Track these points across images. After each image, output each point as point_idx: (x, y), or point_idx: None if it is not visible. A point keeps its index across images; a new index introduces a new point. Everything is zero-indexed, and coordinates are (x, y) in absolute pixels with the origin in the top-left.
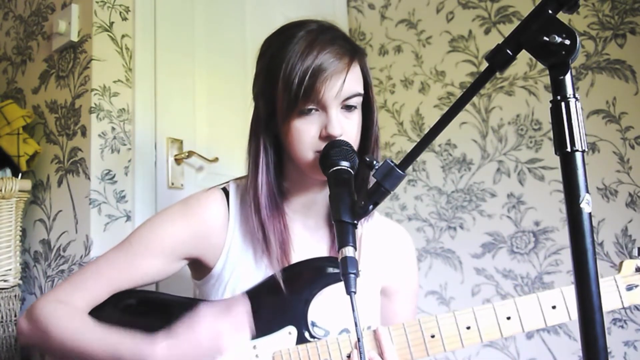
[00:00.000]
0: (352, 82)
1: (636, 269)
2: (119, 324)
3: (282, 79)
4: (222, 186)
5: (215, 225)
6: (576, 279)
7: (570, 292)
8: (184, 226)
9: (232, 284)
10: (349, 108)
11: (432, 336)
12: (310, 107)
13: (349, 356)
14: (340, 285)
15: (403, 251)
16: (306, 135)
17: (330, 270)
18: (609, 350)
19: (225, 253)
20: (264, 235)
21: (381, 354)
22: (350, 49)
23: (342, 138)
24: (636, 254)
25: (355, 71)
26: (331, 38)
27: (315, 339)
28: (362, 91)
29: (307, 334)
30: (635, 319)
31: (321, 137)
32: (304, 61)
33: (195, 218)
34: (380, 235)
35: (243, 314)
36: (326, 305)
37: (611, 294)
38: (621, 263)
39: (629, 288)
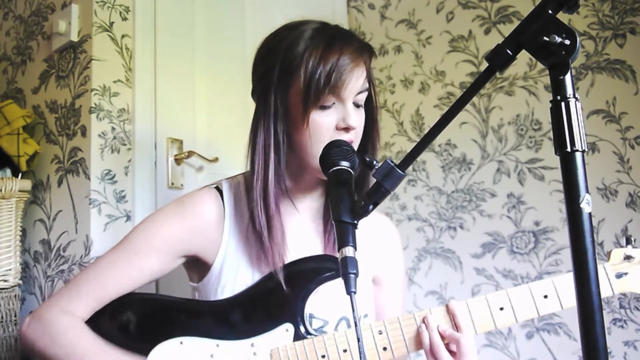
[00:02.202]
0: (363, 77)
1: (625, 257)
2: (120, 329)
3: (305, 74)
4: (214, 185)
5: (210, 222)
6: (576, 279)
7: (561, 282)
8: (179, 224)
9: (231, 282)
10: (357, 105)
11: None
12: (332, 101)
13: (345, 351)
14: (338, 278)
15: (390, 241)
16: (325, 128)
17: (328, 268)
18: (609, 350)
19: (223, 250)
20: (269, 233)
21: (457, 328)
22: (367, 47)
23: (353, 131)
24: (624, 244)
25: (367, 68)
26: (349, 35)
27: (312, 336)
28: (368, 87)
29: (303, 330)
30: (635, 319)
31: (338, 129)
32: (327, 56)
33: (190, 215)
34: (367, 226)
35: None
36: (323, 297)
37: (601, 281)
38: (610, 252)
39: (619, 276)
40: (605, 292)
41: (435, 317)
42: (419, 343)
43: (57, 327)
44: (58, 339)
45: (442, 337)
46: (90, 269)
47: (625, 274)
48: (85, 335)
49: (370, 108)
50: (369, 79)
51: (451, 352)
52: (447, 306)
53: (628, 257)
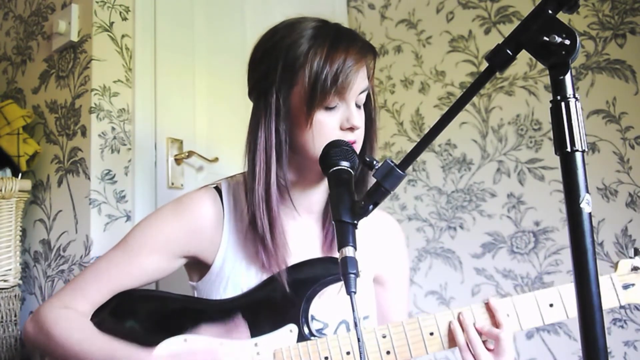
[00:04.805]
0: (366, 78)
1: (632, 268)
2: (124, 325)
3: (310, 74)
4: (213, 185)
5: (209, 222)
6: (576, 279)
7: (567, 290)
8: (177, 224)
9: (233, 280)
10: (357, 105)
11: (431, 334)
12: (336, 102)
13: (348, 353)
14: (340, 281)
15: (393, 239)
16: (329, 128)
17: (332, 270)
18: (609, 350)
19: (223, 249)
20: (272, 237)
21: (497, 325)
22: (370, 46)
23: (357, 131)
24: (632, 255)
25: (369, 68)
26: (352, 34)
27: (316, 338)
28: (369, 86)
29: (307, 331)
30: (635, 319)
31: (342, 129)
32: (333, 57)
33: (189, 215)
34: (370, 224)
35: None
36: (325, 299)
37: (608, 292)
38: (617, 263)
39: (626, 287)
40: (612, 302)
41: (471, 314)
42: (422, 348)
43: (55, 318)
44: (54, 328)
45: (480, 334)
46: (92, 268)
47: (633, 285)
48: (81, 323)
49: (369, 108)
50: (370, 79)
51: (489, 350)
52: (486, 303)
53: (635, 269)
